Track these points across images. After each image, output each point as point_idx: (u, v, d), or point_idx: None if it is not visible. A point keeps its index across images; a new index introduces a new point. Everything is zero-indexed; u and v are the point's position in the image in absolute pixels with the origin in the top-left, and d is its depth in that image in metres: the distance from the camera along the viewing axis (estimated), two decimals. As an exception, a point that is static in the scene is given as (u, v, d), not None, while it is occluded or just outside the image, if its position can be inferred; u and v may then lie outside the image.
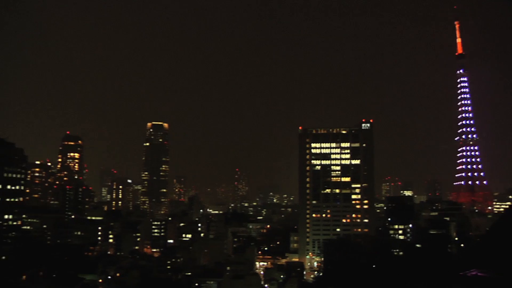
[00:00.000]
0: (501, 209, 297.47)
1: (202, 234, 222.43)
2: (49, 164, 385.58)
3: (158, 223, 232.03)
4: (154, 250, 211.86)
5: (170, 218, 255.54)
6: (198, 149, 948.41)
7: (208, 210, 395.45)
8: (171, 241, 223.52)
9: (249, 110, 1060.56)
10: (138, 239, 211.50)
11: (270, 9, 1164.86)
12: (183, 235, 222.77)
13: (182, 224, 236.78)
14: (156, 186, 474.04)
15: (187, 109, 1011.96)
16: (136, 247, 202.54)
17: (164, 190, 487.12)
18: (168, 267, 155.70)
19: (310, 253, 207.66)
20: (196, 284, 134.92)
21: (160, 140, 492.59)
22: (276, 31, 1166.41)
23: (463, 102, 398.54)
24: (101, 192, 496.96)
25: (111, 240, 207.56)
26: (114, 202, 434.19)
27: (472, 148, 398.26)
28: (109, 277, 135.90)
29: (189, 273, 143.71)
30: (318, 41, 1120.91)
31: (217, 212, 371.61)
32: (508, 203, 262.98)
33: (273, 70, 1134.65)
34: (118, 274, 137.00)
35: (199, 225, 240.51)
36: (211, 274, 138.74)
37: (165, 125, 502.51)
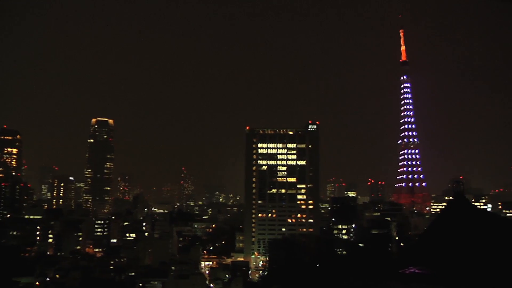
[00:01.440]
0: (438, 210, 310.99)
1: (146, 234, 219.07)
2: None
3: (101, 222, 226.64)
4: (97, 250, 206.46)
5: (113, 217, 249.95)
6: (144, 146, 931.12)
7: (153, 209, 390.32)
8: (115, 240, 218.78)
9: (196, 109, 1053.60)
10: (80, 238, 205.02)
11: (218, 9, 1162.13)
12: (127, 234, 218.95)
13: (126, 223, 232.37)
14: (100, 184, 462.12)
15: (133, 106, 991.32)
16: (78, 247, 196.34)
17: (108, 188, 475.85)
18: (111, 267, 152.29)
19: (255, 253, 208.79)
20: (140, 285, 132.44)
21: (105, 136, 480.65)
22: (224, 31, 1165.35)
23: (405, 107, 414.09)
24: (41, 190, 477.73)
25: (50, 240, 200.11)
26: (54, 201, 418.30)
27: (413, 151, 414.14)
28: (48, 279, 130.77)
29: (133, 273, 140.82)
30: (266, 42, 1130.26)
31: (162, 211, 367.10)
32: (444, 204, 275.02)
33: (220, 70, 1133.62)
34: (57, 276, 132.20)
35: (144, 224, 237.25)
36: (155, 274, 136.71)
37: (110, 121, 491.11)
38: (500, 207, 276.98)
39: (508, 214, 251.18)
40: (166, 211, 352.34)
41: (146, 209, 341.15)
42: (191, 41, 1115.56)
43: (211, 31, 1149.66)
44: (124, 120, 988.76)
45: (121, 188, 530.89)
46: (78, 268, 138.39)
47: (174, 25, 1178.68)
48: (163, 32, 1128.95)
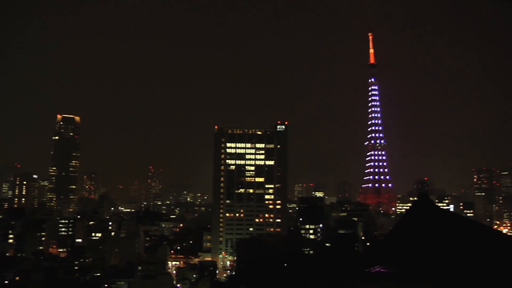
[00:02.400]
0: (403, 210, 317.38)
1: (112, 233, 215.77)
2: None
3: (66, 221, 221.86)
4: (61, 250, 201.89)
5: (79, 216, 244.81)
6: (111, 145, 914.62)
7: (119, 208, 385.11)
8: (80, 240, 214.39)
9: (165, 108, 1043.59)
10: (43, 238, 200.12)
11: (186, 9, 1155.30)
12: (93, 234, 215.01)
13: (91, 223, 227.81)
14: (65, 182, 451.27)
15: (101, 103, 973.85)
16: (41, 248, 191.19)
17: (73, 187, 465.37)
18: (76, 267, 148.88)
19: (223, 252, 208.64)
20: (106, 285, 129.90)
21: (71, 133, 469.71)
22: (192, 29, 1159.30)
23: (373, 109, 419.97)
24: (1, 188, 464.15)
25: (11, 241, 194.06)
26: (16, 199, 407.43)
27: (379, 152, 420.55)
28: (7, 281, 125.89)
29: (98, 274, 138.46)
30: (236, 41, 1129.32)
31: (129, 210, 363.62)
32: (409, 204, 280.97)
33: (190, 69, 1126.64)
34: (17, 278, 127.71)
35: (110, 223, 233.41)
36: (121, 275, 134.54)
37: (77, 118, 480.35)
38: (461, 207, 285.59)
39: (468, 214, 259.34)
40: (133, 210, 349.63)
41: (112, 208, 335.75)
42: (159, 41, 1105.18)
43: (180, 31, 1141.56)
44: (91, 117, 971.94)
45: (86, 187, 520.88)
46: (40, 269, 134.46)
47: (143, 24, 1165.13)
48: (131, 31, 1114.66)
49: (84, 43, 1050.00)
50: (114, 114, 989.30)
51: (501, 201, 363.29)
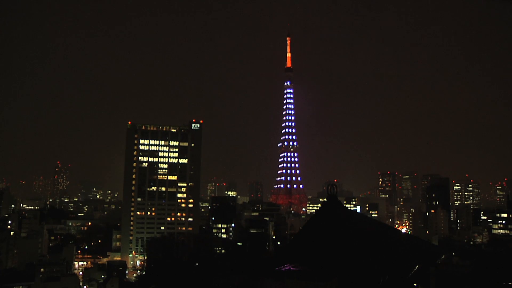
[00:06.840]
0: (313, 211, 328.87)
1: (12, 233, 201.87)
2: None
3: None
4: None
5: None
6: (14, 136, 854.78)
7: (21, 205, 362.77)
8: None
9: (76, 101, 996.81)
10: None
11: (98, 4, 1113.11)
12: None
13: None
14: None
15: (4, 90, 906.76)
16: None
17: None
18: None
19: (133, 252, 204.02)
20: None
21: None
22: (110, 24, 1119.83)
23: (287, 111, 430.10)
24: None
25: None
26: None
27: (292, 154, 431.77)
28: None
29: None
30: (153, 38, 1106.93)
31: (32, 207, 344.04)
32: (319, 205, 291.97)
33: (105, 63, 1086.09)
34: None
35: (9, 222, 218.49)
36: (20, 278, 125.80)
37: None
38: (367, 208, 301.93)
39: (373, 215, 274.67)
40: (36, 207, 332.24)
41: (12, 206, 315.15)
42: (74, 32, 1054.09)
43: (96, 24, 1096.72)
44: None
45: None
46: None
47: (55, 18, 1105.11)
48: (42, 24, 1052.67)
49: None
50: (20, 104, 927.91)
51: (401, 203, 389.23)
